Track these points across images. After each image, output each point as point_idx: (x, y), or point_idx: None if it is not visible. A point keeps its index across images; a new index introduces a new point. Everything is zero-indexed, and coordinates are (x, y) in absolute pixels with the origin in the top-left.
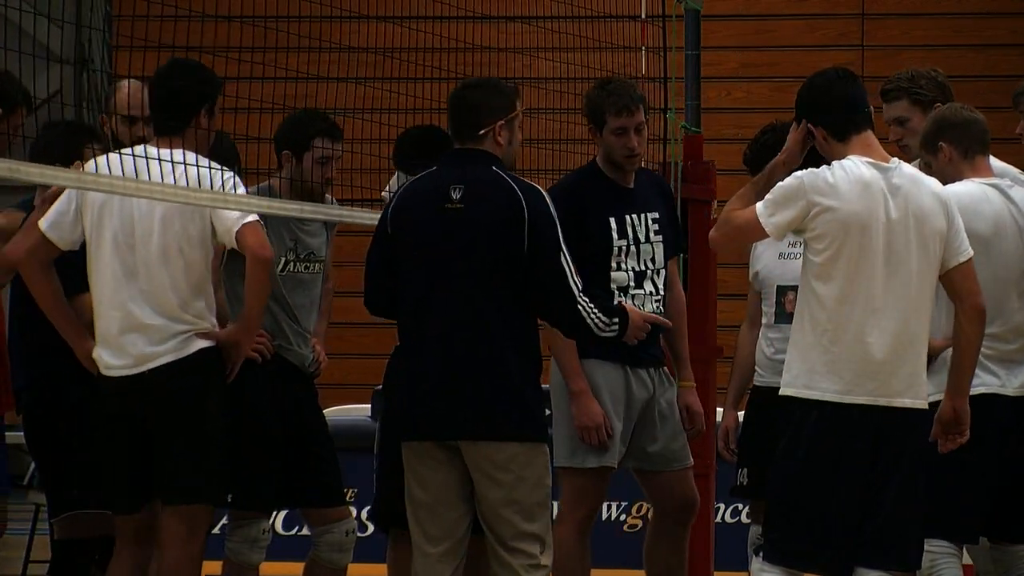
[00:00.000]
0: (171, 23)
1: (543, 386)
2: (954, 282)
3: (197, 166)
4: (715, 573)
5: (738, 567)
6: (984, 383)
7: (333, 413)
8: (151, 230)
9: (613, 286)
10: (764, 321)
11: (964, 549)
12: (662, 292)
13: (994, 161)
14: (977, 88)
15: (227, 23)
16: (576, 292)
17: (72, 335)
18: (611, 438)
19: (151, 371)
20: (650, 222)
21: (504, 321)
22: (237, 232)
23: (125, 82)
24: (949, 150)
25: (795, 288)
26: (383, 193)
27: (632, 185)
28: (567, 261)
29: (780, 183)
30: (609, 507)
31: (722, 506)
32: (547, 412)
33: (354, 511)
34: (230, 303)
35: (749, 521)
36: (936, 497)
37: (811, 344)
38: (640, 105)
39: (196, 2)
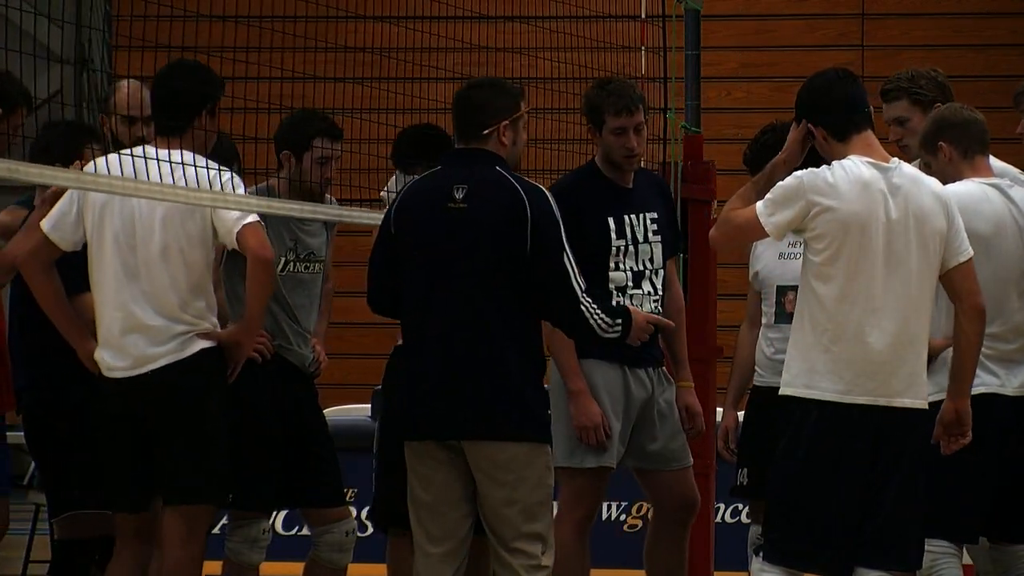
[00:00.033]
0: (171, 23)
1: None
2: (954, 282)
3: (196, 166)
4: (715, 573)
5: (738, 567)
6: (984, 383)
7: (333, 413)
8: (152, 230)
9: (611, 286)
10: (764, 321)
11: (964, 549)
12: (660, 292)
13: (994, 161)
14: (977, 88)
15: (227, 23)
16: (579, 293)
17: (74, 335)
18: (609, 438)
19: (152, 372)
20: (648, 222)
21: (504, 321)
22: (238, 233)
23: (124, 82)
24: (949, 150)
25: (795, 288)
26: (382, 193)
27: (631, 185)
28: (570, 261)
29: (780, 183)
30: (609, 507)
31: (722, 506)
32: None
33: (354, 511)
34: (230, 303)
35: (749, 521)
36: (936, 497)
37: (811, 344)
38: (640, 105)
39: (196, 2)
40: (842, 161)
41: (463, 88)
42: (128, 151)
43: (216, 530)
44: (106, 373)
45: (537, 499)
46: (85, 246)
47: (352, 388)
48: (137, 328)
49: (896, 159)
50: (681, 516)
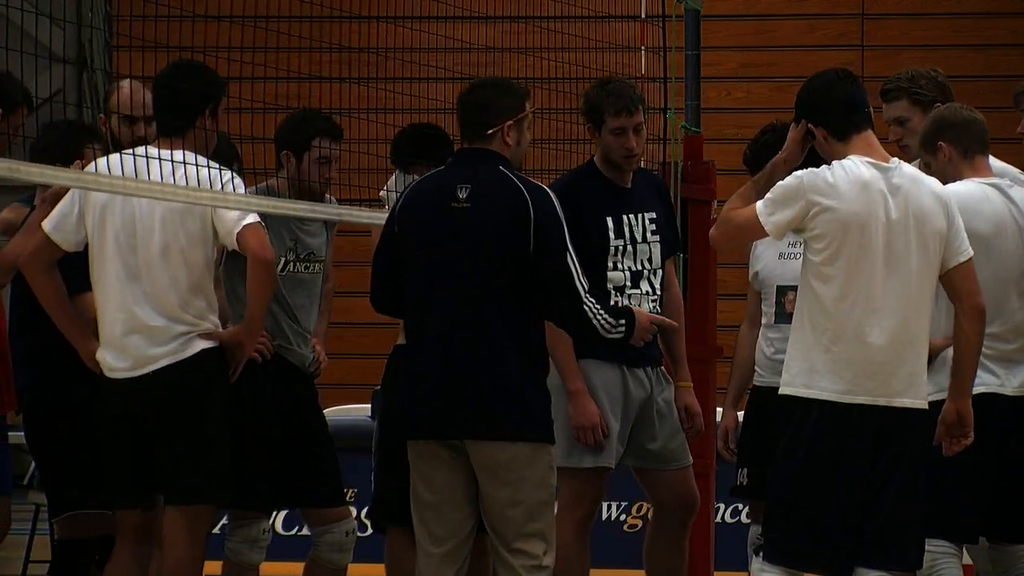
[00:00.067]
0: (171, 23)
1: None
2: (954, 282)
3: (197, 165)
4: (715, 573)
5: (738, 567)
6: (983, 382)
7: (333, 413)
8: (152, 230)
9: (609, 286)
10: (764, 321)
11: (964, 549)
12: (658, 292)
13: (994, 161)
14: (977, 88)
15: (227, 23)
16: (583, 293)
17: (76, 335)
18: (607, 438)
19: (153, 372)
20: (647, 222)
21: (505, 321)
22: (238, 234)
23: (124, 82)
24: (948, 150)
25: (795, 288)
26: (381, 193)
27: (629, 185)
28: (574, 262)
29: (780, 182)
30: (609, 507)
31: (722, 506)
32: None
33: (354, 511)
34: (230, 303)
35: (749, 521)
36: (936, 497)
37: (811, 344)
38: (639, 106)
39: (196, 2)
40: (842, 161)
41: (468, 88)
42: (130, 151)
43: (216, 530)
44: (107, 373)
45: (539, 499)
46: (86, 246)
47: (352, 388)
48: (138, 329)
49: (896, 159)
50: (681, 516)
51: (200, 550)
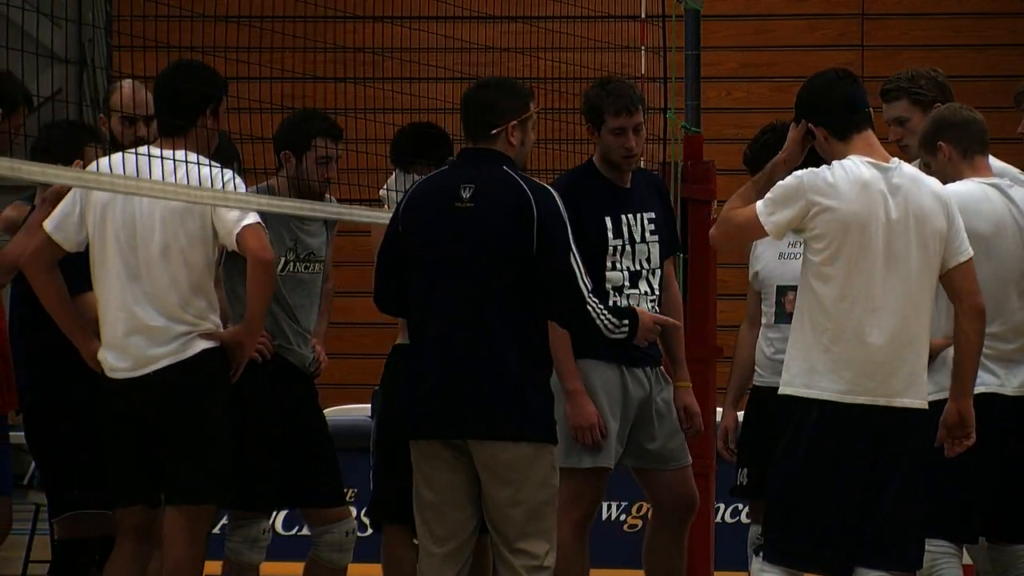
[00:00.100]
0: (171, 23)
1: None
2: (954, 282)
3: (199, 164)
4: (715, 573)
5: (738, 567)
6: (983, 382)
7: (333, 413)
8: (152, 230)
9: (608, 286)
10: (764, 321)
11: (964, 549)
12: (657, 292)
13: (994, 161)
14: (977, 88)
15: (227, 23)
16: (586, 293)
17: (77, 335)
18: (606, 438)
19: (154, 373)
20: (646, 222)
21: (505, 321)
22: (238, 234)
23: (124, 82)
24: (948, 150)
25: (795, 288)
26: (381, 192)
27: (628, 185)
28: (577, 262)
29: (780, 182)
30: (609, 507)
31: (722, 506)
32: None
33: (354, 511)
34: (230, 303)
35: (749, 521)
36: (936, 497)
37: (811, 344)
38: (639, 106)
39: (196, 2)
40: (842, 161)
41: (472, 87)
42: (131, 151)
43: (216, 530)
44: (109, 374)
45: (541, 499)
46: (87, 245)
47: (352, 388)
48: (139, 329)
49: (896, 159)
50: (680, 516)
51: (200, 550)
